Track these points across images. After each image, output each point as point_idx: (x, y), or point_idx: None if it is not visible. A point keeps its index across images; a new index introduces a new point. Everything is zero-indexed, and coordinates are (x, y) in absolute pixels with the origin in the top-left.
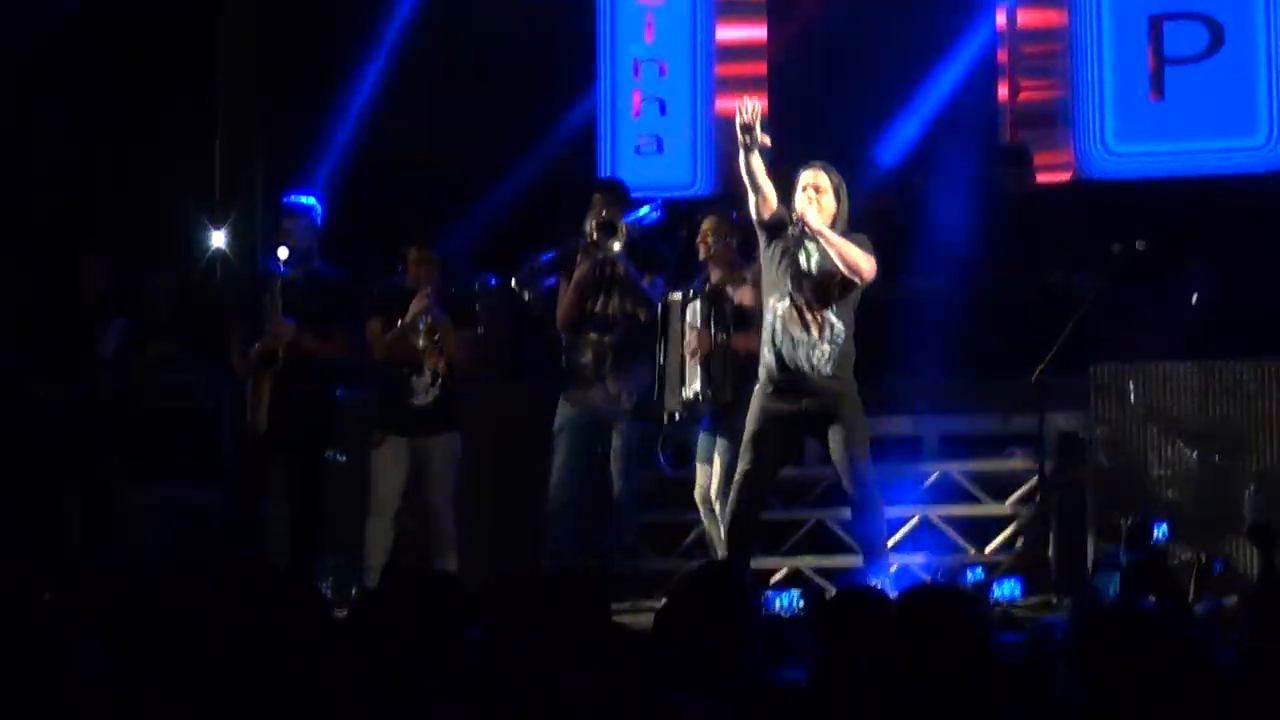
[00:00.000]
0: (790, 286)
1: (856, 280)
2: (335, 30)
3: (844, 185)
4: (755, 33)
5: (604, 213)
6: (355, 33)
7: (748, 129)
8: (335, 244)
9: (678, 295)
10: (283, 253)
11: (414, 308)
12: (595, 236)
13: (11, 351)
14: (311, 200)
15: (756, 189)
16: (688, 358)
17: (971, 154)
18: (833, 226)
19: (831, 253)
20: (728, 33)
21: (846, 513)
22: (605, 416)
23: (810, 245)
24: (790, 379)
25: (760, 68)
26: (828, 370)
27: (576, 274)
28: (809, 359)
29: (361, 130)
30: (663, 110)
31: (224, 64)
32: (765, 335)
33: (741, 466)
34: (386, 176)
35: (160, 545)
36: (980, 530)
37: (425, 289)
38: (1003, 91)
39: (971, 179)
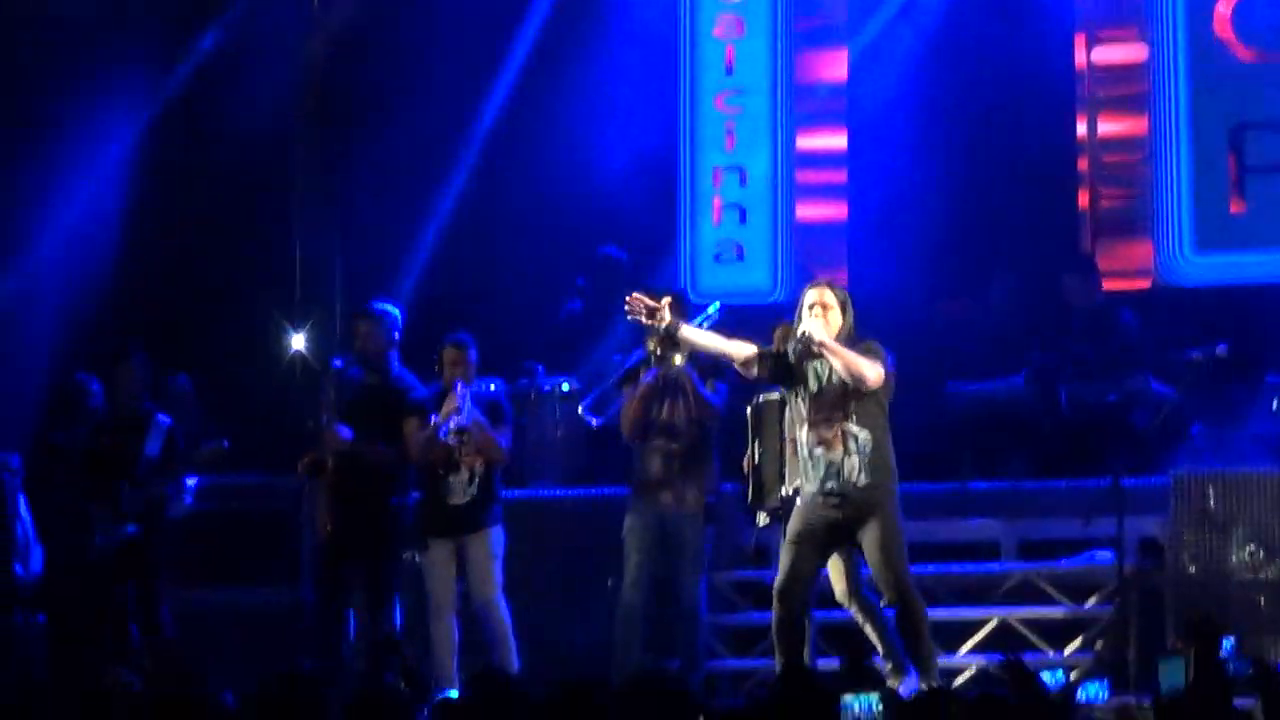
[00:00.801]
0: (806, 414)
1: (863, 388)
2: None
3: (849, 300)
4: (835, 140)
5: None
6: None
7: (658, 327)
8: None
9: (774, 396)
10: (337, 361)
11: (446, 408)
12: (660, 351)
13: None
14: (389, 307)
15: (726, 355)
16: (789, 455)
17: (1049, 261)
18: (838, 339)
19: (837, 363)
20: (808, 141)
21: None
22: (674, 521)
23: (817, 365)
24: (832, 495)
25: (840, 175)
26: (863, 481)
27: (642, 386)
28: (840, 476)
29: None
30: (743, 219)
31: (300, 173)
32: (800, 466)
33: (783, 567)
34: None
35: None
36: (1058, 633)
37: (456, 388)
38: (1083, 199)
39: (1044, 289)
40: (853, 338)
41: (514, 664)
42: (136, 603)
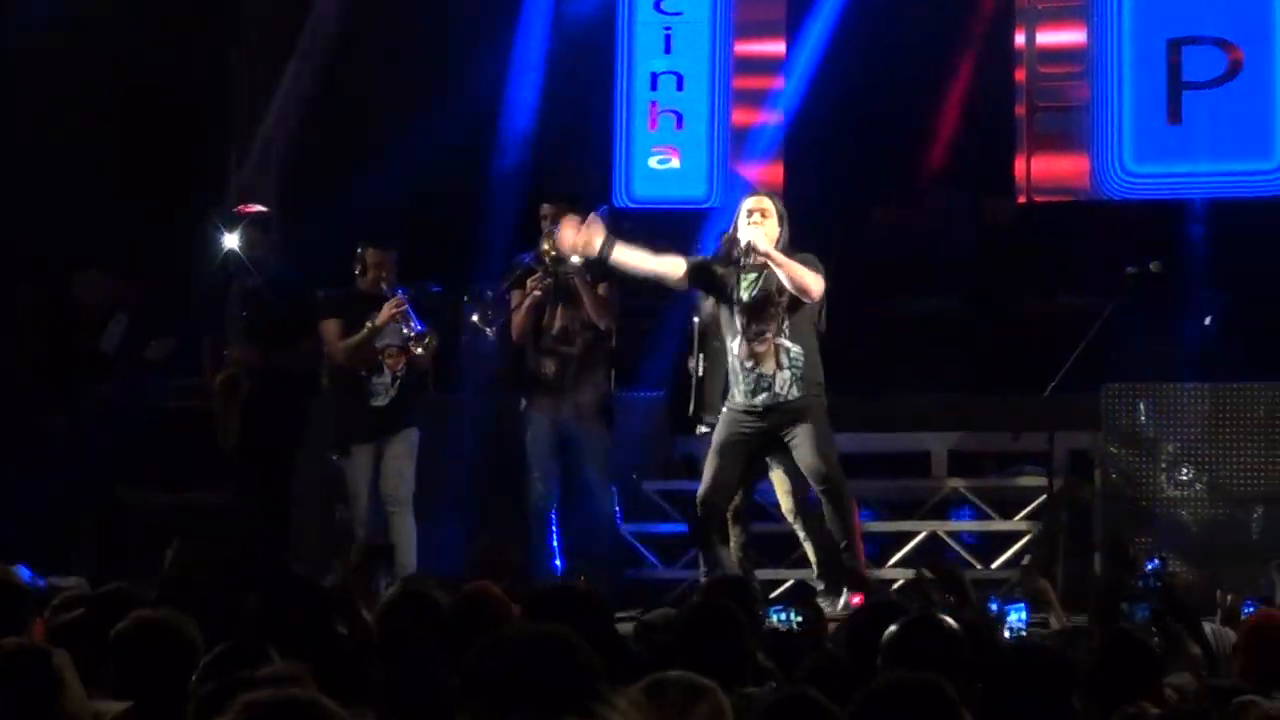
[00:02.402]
0: (738, 324)
1: (806, 300)
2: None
3: (785, 211)
4: (774, 47)
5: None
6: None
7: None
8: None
9: (717, 308)
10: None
11: (388, 312)
12: (554, 253)
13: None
14: (265, 210)
15: (658, 276)
16: None
17: (984, 174)
18: (777, 248)
19: (781, 274)
20: (746, 47)
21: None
22: (574, 426)
23: (746, 276)
24: (761, 407)
25: (778, 81)
26: (794, 394)
27: (535, 290)
28: (771, 389)
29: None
30: (680, 124)
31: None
32: (729, 375)
33: (707, 475)
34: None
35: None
36: (987, 547)
37: (397, 295)
38: (1020, 111)
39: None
40: (789, 249)
41: (413, 565)
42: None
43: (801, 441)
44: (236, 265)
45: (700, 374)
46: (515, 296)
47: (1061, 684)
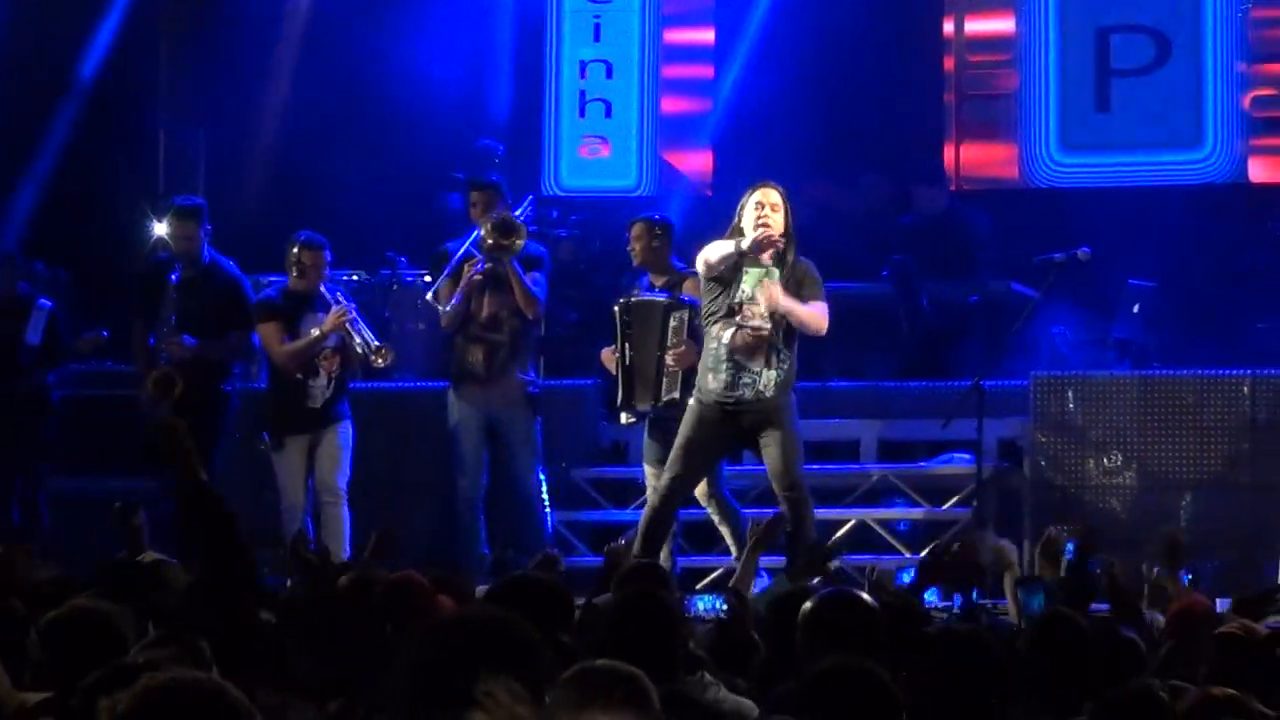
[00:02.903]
0: (738, 317)
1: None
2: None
3: (790, 203)
4: (703, 35)
5: (500, 213)
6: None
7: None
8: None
9: (649, 298)
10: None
11: (333, 322)
12: (492, 241)
13: None
14: (200, 201)
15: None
16: (669, 364)
17: (912, 160)
18: (785, 239)
19: (793, 320)
20: (676, 35)
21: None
22: (501, 413)
23: (751, 269)
24: (737, 402)
25: (707, 70)
26: (772, 393)
27: (471, 276)
28: (755, 385)
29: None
30: (608, 112)
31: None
32: (709, 360)
33: (672, 471)
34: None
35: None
36: (916, 535)
37: (343, 304)
38: (948, 99)
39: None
40: (791, 238)
41: (345, 554)
42: (21, 489)
43: (772, 447)
44: (168, 254)
45: (627, 362)
46: (446, 285)
47: (990, 672)
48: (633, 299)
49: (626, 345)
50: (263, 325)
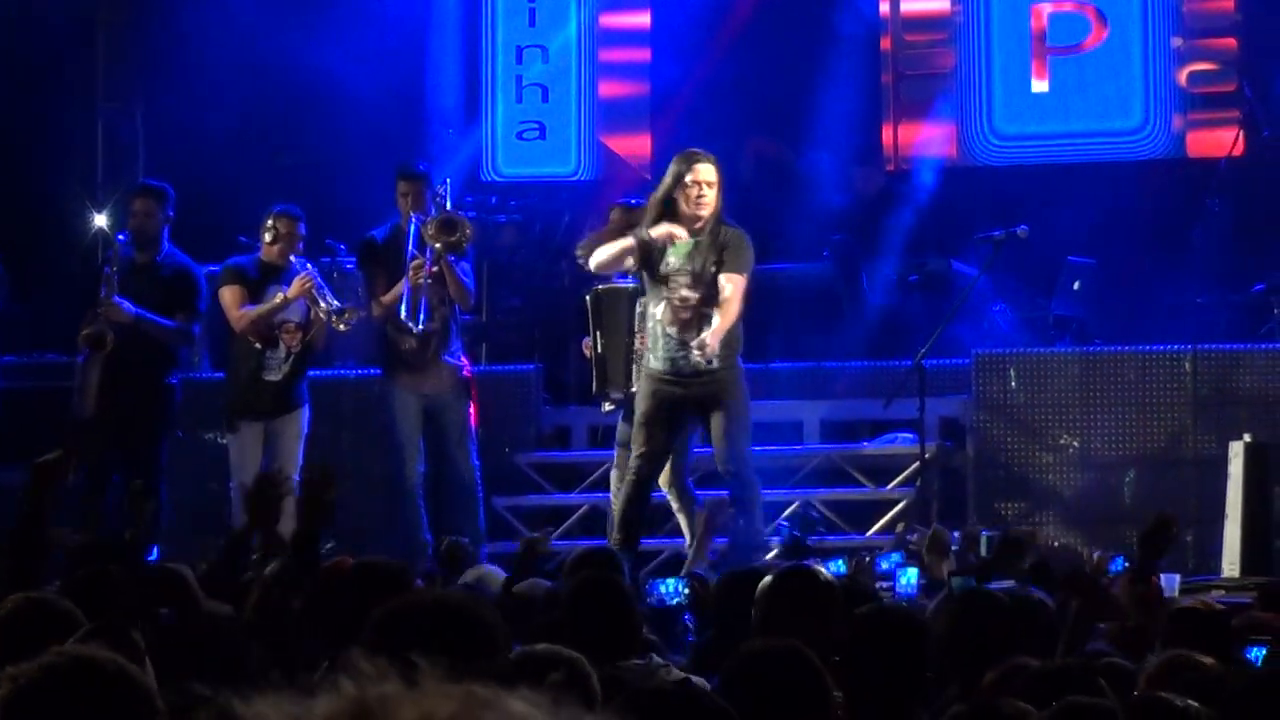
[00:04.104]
0: (666, 290)
1: None
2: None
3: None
4: (638, 19)
5: (441, 214)
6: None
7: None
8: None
9: (619, 285)
10: (121, 235)
11: (298, 287)
12: (441, 240)
13: None
14: (167, 186)
15: (628, 260)
16: (639, 349)
17: (853, 141)
18: (716, 215)
19: (725, 330)
20: (612, 19)
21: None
22: (436, 400)
23: (682, 249)
24: (678, 375)
25: (644, 53)
26: (714, 364)
27: (425, 282)
28: (689, 356)
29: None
30: (545, 97)
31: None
32: (650, 338)
33: (636, 450)
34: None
35: None
36: (860, 515)
37: (306, 270)
38: (885, 79)
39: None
40: (720, 217)
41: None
42: None
43: (718, 424)
44: (115, 241)
45: (599, 350)
46: (379, 276)
47: (914, 647)
48: (601, 288)
49: (599, 333)
50: (225, 288)
